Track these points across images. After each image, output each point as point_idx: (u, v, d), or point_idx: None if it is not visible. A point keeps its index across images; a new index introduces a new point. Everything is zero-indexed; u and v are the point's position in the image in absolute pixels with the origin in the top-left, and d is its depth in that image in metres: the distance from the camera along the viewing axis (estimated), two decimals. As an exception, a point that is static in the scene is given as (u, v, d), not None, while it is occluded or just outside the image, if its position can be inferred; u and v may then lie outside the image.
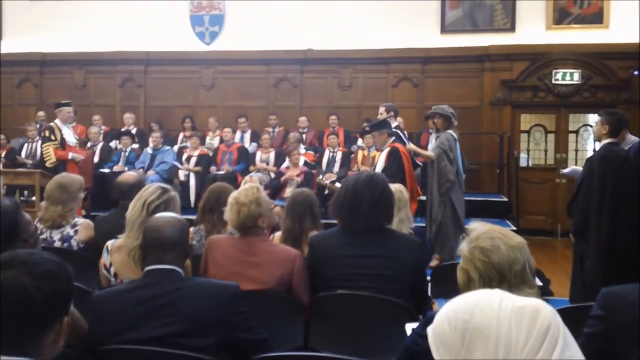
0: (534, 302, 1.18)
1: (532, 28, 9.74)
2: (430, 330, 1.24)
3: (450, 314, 1.21)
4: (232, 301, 2.17)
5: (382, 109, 7.06)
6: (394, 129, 6.69)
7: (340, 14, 10.30)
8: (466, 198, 8.62)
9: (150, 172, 8.80)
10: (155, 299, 2.11)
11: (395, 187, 3.82)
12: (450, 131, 6.53)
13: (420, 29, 10.07)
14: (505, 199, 8.98)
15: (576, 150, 9.75)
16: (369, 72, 10.43)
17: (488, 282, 1.66)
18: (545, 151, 9.90)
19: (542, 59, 9.55)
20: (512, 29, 9.82)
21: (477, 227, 1.80)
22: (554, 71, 9.53)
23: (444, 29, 10.06)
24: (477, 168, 9.84)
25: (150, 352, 2.02)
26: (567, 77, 9.49)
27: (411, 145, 6.45)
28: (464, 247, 1.77)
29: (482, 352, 1.13)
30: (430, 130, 8.89)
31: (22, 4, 11.46)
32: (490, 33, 9.87)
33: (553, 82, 9.54)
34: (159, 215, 2.43)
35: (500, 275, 1.68)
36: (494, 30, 9.89)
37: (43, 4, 11.45)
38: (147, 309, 2.09)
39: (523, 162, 9.82)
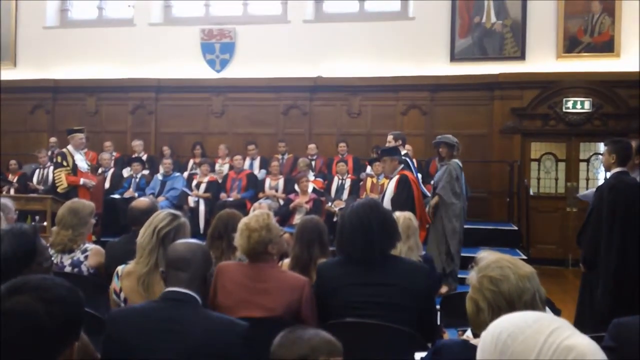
0: (584, 346, 1.10)
1: (543, 56, 9.78)
2: (482, 335, 1.22)
3: (498, 330, 1.18)
4: (240, 340, 2.14)
5: (390, 137, 7.18)
6: (403, 157, 6.75)
7: (350, 42, 10.40)
8: (475, 226, 8.70)
9: (161, 198, 8.84)
10: (168, 322, 2.11)
11: (404, 214, 3.83)
12: (457, 160, 6.61)
13: (430, 57, 10.14)
14: (515, 228, 8.93)
15: (587, 179, 9.70)
16: (378, 100, 10.49)
17: (497, 311, 1.64)
18: (556, 180, 9.86)
19: (552, 87, 9.56)
20: (522, 57, 9.86)
21: (486, 256, 1.79)
22: (564, 99, 9.54)
23: (454, 57, 10.12)
24: (487, 196, 9.81)
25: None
26: (577, 105, 9.50)
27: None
28: (472, 276, 1.75)
29: None
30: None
31: (35, 32, 11.69)
32: (500, 61, 9.92)
33: (564, 110, 9.55)
34: (183, 240, 2.44)
35: (510, 304, 1.66)
36: (504, 58, 9.93)
37: (56, 32, 11.69)
38: (157, 330, 2.09)
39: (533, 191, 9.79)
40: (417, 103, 10.27)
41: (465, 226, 8.47)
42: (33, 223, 6.96)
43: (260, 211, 2.98)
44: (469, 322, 1.82)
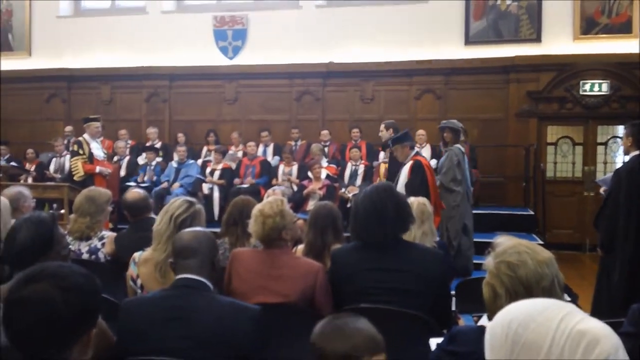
0: (597, 330, 1.08)
1: (559, 38, 9.63)
2: (487, 328, 1.20)
3: (507, 320, 1.16)
4: (252, 325, 2.14)
5: (382, 127, 7.17)
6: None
7: (362, 27, 10.32)
8: (491, 212, 8.66)
9: (176, 185, 8.90)
10: (178, 311, 2.13)
11: (418, 200, 3.82)
12: (458, 145, 6.60)
13: (444, 41, 10.04)
14: (532, 213, 8.87)
15: (605, 163, 9.59)
16: (392, 85, 10.42)
17: (515, 297, 1.62)
18: (573, 164, 9.76)
19: (569, 69, 9.43)
20: (538, 39, 9.71)
21: (503, 241, 1.77)
22: (581, 82, 9.41)
23: (468, 41, 10.01)
24: (502, 181, 9.75)
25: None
26: (595, 87, 9.36)
27: None
28: (489, 261, 1.74)
29: None
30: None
31: (49, 21, 11.73)
32: (516, 44, 9.79)
33: (581, 93, 9.41)
34: (189, 229, 2.46)
35: (528, 290, 1.64)
36: (520, 40, 9.80)
37: (69, 21, 11.73)
38: (168, 319, 2.11)
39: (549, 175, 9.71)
40: (431, 87, 10.19)
41: (481, 211, 8.50)
42: (50, 211, 7.03)
43: (274, 197, 2.99)
44: (485, 308, 1.81)
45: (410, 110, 10.29)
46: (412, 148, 6.10)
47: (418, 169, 5.76)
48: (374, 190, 2.83)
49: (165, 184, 9.01)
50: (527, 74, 9.71)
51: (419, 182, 5.63)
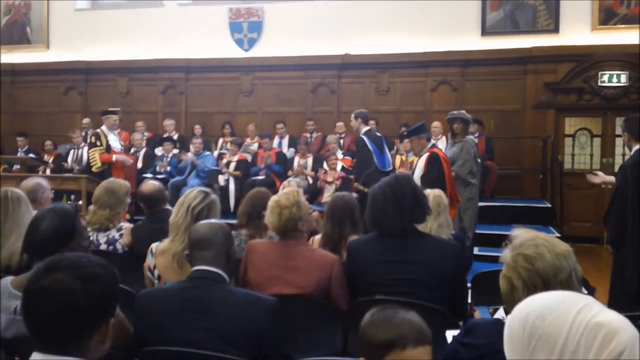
0: (615, 322, 1.07)
1: (577, 29, 9.50)
2: (506, 321, 1.20)
3: (524, 313, 1.15)
4: (267, 316, 2.15)
5: (352, 116, 7.17)
6: (363, 135, 6.92)
7: (378, 18, 10.26)
8: (507, 204, 8.62)
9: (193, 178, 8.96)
10: (194, 302, 2.14)
11: (434, 192, 3.80)
12: (471, 137, 6.62)
13: (460, 32, 9.96)
14: (549, 205, 8.79)
15: (623, 155, 9.44)
16: (407, 76, 10.37)
17: (532, 290, 1.61)
18: (591, 156, 9.64)
19: (587, 60, 9.30)
20: (555, 30, 9.60)
21: (521, 233, 1.76)
22: (600, 73, 9.28)
23: (485, 31, 9.92)
24: (519, 173, 9.68)
25: (193, 354, 2.04)
26: (613, 79, 9.23)
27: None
28: (506, 254, 1.73)
29: None
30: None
31: (67, 14, 11.82)
32: (533, 34, 9.69)
33: (599, 84, 9.29)
34: (204, 221, 2.48)
35: (545, 283, 1.63)
36: (537, 31, 9.69)
37: (87, 14, 11.81)
38: (184, 311, 2.13)
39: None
40: (447, 79, 10.12)
41: (497, 203, 8.47)
42: (69, 202, 7.11)
43: (290, 189, 3.00)
44: (501, 301, 1.80)
45: (426, 101, 10.24)
46: (429, 140, 6.07)
47: (435, 161, 5.73)
48: (393, 179, 2.84)
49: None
50: (544, 65, 9.61)
51: (435, 174, 5.60)
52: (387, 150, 7.22)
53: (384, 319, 1.63)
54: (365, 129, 7.08)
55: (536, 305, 1.15)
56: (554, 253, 1.66)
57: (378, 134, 7.29)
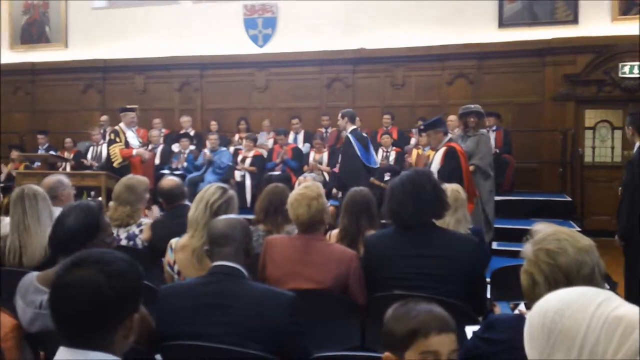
0: (635, 316, 1.06)
1: (597, 19, 9.36)
2: (528, 316, 1.20)
3: (544, 309, 1.15)
4: (286, 310, 2.16)
5: (339, 115, 7.31)
6: (349, 134, 7.05)
7: (393, 12, 10.21)
8: (526, 198, 8.55)
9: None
10: (214, 297, 2.16)
11: (452, 186, 3.78)
12: (484, 130, 6.63)
13: (477, 24, 9.87)
14: (569, 199, 8.70)
15: (644, 147, 9.33)
16: (423, 70, 10.31)
17: (554, 285, 1.59)
18: (612, 148, 9.52)
19: (607, 51, 9.16)
20: (575, 20, 9.47)
21: (542, 228, 1.74)
22: (620, 64, 9.13)
23: (502, 23, 9.82)
24: (538, 167, 9.60)
25: (213, 349, 2.06)
26: (634, 70, 9.07)
27: None
28: (527, 248, 1.71)
29: (564, 357, 1.09)
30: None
31: (85, 13, 11.92)
32: (552, 26, 9.57)
33: (619, 75, 9.14)
34: (223, 216, 2.50)
35: (567, 278, 1.61)
36: (556, 22, 9.57)
37: (104, 13, 11.91)
38: (205, 305, 2.15)
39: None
40: (463, 72, 10.04)
41: (516, 197, 8.40)
42: (89, 198, 7.19)
43: (309, 182, 3.01)
44: (521, 296, 1.79)
45: (442, 95, 10.18)
46: (446, 134, 6.04)
47: (452, 155, 5.69)
48: (413, 173, 2.83)
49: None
50: (563, 56, 9.49)
51: (453, 168, 5.57)
52: (372, 148, 7.41)
53: (405, 311, 1.64)
54: (351, 127, 7.21)
55: (555, 300, 1.15)
56: (576, 248, 1.65)
57: (364, 134, 7.47)
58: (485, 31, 9.83)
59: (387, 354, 1.63)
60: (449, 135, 6.14)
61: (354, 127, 7.27)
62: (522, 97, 9.68)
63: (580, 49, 9.33)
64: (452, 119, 9.01)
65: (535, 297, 1.69)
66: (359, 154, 7.01)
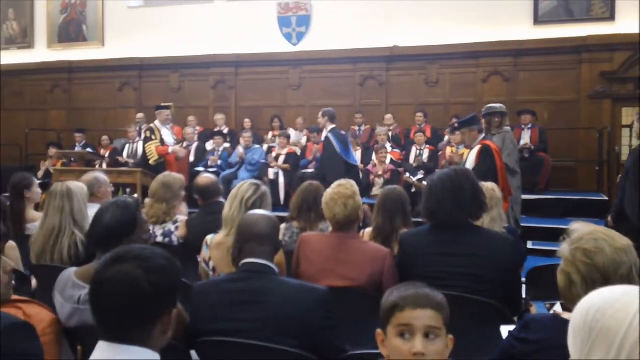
0: None
1: (634, 16, 9.12)
2: (572, 314, 1.20)
3: (586, 307, 1.15)
4: (319, 305, 2.17)
5: (320, 114, 7.52)
6: (328, 133, 7.26)
7: (427, 9, 10.13)
8: (562, 197, 8.39)
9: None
10: (246, 293, 2.18)
11: (487, 185, 3.75)
12: (507, 128, 6.60)
13: (512, 21, 9.74)
14: (606, 198, 8.51)
15: (684, 145, 9.08)
16: (457, 68, 10.22)
17: (591, 285, 1.58)
18: (650, 147, 9.29)
19: (645, 48, 8.96)
20: (611, 17, 9.28)
21: (579, 227, 1.73)
22: (658, 61, 8.92)
23: (538, 20, 9.67)
24: (573, 165, 9.42)
25: (247, 345, 2.08)
26: (672, 67, 8.86)
27: None
28: (564, 248, 1.70)
29: (602, 356, 1.08)
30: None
31: (121, 12, 12.13)
32: (588, 23, 9.39)
33: (657, 72, 8.94)
34: (251, 212, 2.52)
35: (605, 278, 1.60)
36: (592, 19, 9.39)
37: (140, 11, 12.11)
38: (237, 302, 2.17)
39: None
40: (498, 69, 9.92)
41: (551, 196, 8.27)
42: (124, 195, 7.32)
43: (343, 180, 3.01)
44: (557, 295, 1.78)
45: (476, 93, 10.07)
46: (480, 132, 5.98)
47: (487, 153, 5.63)
48: (452, 172, 2.79)
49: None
50: (600, 53, 9.30)
51: (487, 166, 5.51)
52: (351, 147, 7.62)
53: (398, 288, 1.68)
54: (331, 127, 7.39)
55: (598, 299, 1.14)
56: (614, 247, 1.63)
57: (342, 132, 7.67)
58: (521, 28, 9.70)
59: (378, 330, 1.66)
60: (484, 134, 6.07)
61: (333, 126, 7.46)
62: (558, 94, 9.52)
63: (616, 46, 9.14)
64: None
65: (572, 297, 1.67)
66: (339, 152, 7.23)
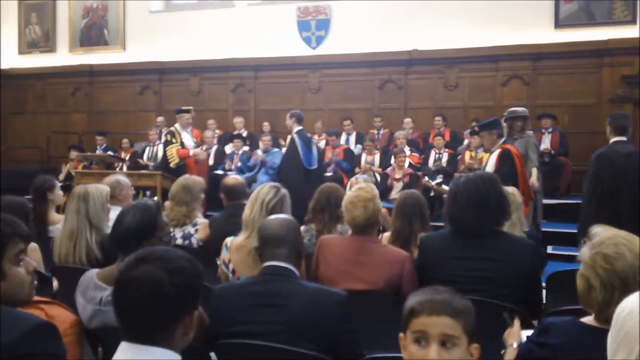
0: None
1: (656, 19, 9.06)
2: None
3: (622, 306, 1.16)
4: (339, 309, 2.17)
5: (288, 115, 7.77)
6: (294, 134, 7.47)
7: (446, 12, 10.11)
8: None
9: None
10: (266, 296, 2.19)
11: (507, 189, 3.73)
12: (530, 132, 6.57)
13: (532, 24, 9.67)
14: (627, 203, 8.40)
15: None
16: (477, 71, 10.17)
17: (610, 290, 1.58)
18: (672, 151, 9.15)
19: (668, 52, 8.84)
20: (633, 21, 9.16)
21: (600, 232, 1.72)
22: (680, 65, 8.80)
23: (558, 24, 9.60)
24: (595, 170, 9.30)
25: (266, 348, 2.09)
26: (695, 71, 8.73)
27: None
28: (584, 252, 1.70)
29: (624, 356, 1.08)
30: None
31: (142, 16, 12.26)
32: (609, 26, 9.29)
33: (680, 77, 8.81)
34: (273, 216, 2.54)
35: (624, 284, 1.59)
36: (613, 23, 9.29)
37: (161, 16, 12.22)
38: (257, 304, 2.18)
39: None
40: (518, 73, 9.85)
41: (572, 201, 8.17)
42: (145, 198, 7.39)
43: (363, 183, 3.02)
44: (577, 300, 1.77)
45: (495, 97, 10.01)
46: (500, 137, 5.93)
47: (507, 157, 5.60)
48: (479, 178, 2.76)
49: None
50: (621, 57, 9.19)
51: (507, 170, 5.47)
52: (314, 149, 7.81)
53: (420, 292, 1.64)
54: (297, 128, 7.64)
55: (632, 302, 1.15)
56: (634, 253, 1.62)
57: (308, 134, 7.92)
58: (541, 32, 9.63)
59: (400, 335, 1.63)
60: (504, 138, 6.03)
61: (300, 127, 7.69)
62: (579, 98, 9.42)
63: (638, 49, 9.01)
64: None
65: (590, 301, 1.67)
66: (301, 154, 7.50)
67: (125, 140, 10.83)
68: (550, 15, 9.65)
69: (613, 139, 5.18)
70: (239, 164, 9.57)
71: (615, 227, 1.70)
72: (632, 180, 4.85)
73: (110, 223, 2.65)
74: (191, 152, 7.91)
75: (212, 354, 2.27)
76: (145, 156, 10.32)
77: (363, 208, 2.84)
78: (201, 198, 4.04)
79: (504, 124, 6.54)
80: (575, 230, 6.69)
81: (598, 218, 4.40)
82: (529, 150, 6.37)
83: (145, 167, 9.83)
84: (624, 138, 5.15)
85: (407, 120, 9.85)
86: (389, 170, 8.61)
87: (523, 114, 6.53)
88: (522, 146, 6.35)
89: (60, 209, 4.43)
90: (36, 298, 2.08)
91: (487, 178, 2.78)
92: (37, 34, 13.26)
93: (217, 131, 10.76)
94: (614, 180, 4.92)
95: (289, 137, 7.90)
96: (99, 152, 10.63)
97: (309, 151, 7.60)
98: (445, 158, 8.82)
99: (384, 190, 8.29)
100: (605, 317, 1.67)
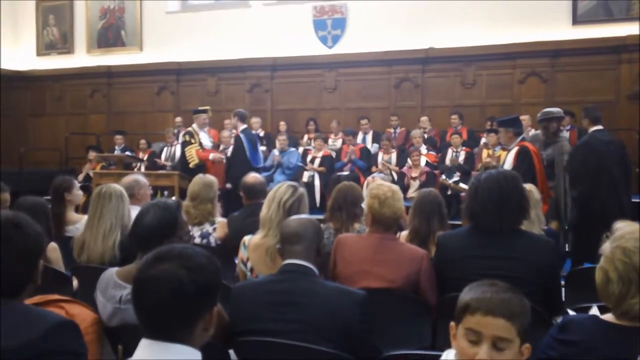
0: None
1: (676, 15, 8.93)
2: None
3: None
4: (358, 308, 2.18)
5: (232, 114, 7.92)
6: (240, 132, 7.62)
7: (463, 10, 10.04)
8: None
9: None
10: (285, 295, 2.21)
11: (525, 187, 3.70)
12: (565, 135, 6.78)
13: (550, 21, 9.59)
14: (646, 200, 8.29)
15: None
16: (494, 69, 10.10)
17: (627, 284, 1.58)
18: (691, 148, 9.01)
19: (686, 48, 8.71)
20: (652, 16, 9.08)
21: (623, 226, 1.72)
22: (699, 61, 8.67)
23: (576, 20, 9.50)
24: (614, 167, 9.19)
25: (285, 346, 2.10)
26: None
27: None
28: (606, 246, 1.70)
29: None
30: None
31: (159, 17, 12.34)
32: (628, 22, 9.18)
33: (699, 72, 8.68)
34: (295, 216, 2.56)
35: None
36: (632, 19, 9.17)
37: (177, 17, 12.29)
38: (276, 302, 2.20)
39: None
40: (536, 70, 9.77)
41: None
42: (163, 197, 7.44)
43: (381, 182, 3.02)
44: (596, 297, 1.76)
45: (513, 94, 9.94)
46: (517, 135, 5.85)
47: (525, 154, 5.55)
48: (502, 176, 2.73)
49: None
50: (640, 53, 9.09)
51: (525, 168, 5.42)
52: (259, 148, 8.03)
53: (478, 287, 1.62)
54: (242, 127, 7.77)
55: None
56: (654, 248, 1.62)
57: (254, 132, 8.11)
58: (559, 28, 9.55)
59: (451, 324, 1.63)
60: (521, 137, 5.96)
61: (245, 126, 7.87)
62: (597, 95, 9.31)
63: (657, 46, 8.91)
64: (525, 118, 8.77)
65: (608, 294, 1.67)
66: (247, 152, 7.66)
67: (142, 141, 10.90)
68: (568, 12, 9.57)
69: (592, 129, 5.84)
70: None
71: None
72: (612, 164, 5.60)
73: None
74: (210, 157, 7.93)
75: (231, 352, 2.28)
76: (163, 156, 10.39)
77: (382, 206, 2.85)
78: (217, 196, 4.08)
79: (539, 125, 6.44)
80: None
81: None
82: (564, 157, 6.23)
83: (163, 167, 9.90)
84: (600, 127, 5.87)
85: (424, 118, 9.82)
86: (405, 169, 8.59)
87: (558, 114, 6.39)
88: (556, 153, 6.25)
89: (79, 209, 4.48)
90: (56, 296, 2.11)
91: (509, 176, 2.76)
92: (54, 35, 13.40)
93: (234, 131, 10.78)
94: (597, 164, 5.57)
95: (234, 135, 8.09)
96: (117, 152, 10.71)
97: (254, 150, 7.79)
98: (462, 156, 8.77)
99: (401, 189, 8.25)
100: (622, 311, 1.67)
